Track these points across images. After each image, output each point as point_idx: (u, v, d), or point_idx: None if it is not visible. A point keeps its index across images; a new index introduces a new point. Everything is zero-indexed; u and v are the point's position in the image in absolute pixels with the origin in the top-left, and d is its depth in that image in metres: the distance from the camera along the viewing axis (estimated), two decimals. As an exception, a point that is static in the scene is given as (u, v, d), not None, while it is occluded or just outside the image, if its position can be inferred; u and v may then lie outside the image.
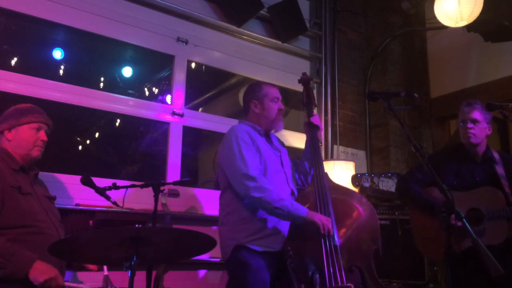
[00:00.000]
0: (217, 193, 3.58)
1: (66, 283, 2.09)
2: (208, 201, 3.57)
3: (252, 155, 2.44)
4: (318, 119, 2.75)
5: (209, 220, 3.42)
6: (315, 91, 4.54)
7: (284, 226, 2.43)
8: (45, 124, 2.35)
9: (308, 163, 2.70)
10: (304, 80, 2.88)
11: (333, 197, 2.44)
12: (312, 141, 2.67)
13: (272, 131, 2.72)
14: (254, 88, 2.72)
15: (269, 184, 2.38)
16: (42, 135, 2.31)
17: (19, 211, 2.10)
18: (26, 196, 2.16)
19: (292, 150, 3.18)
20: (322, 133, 4.38)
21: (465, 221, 1.97)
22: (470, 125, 2.82)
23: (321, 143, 4.38)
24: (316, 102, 2.87)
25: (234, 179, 2.43)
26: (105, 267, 2.33)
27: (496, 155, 2.86)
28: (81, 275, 2.42)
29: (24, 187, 2.18)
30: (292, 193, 2.58)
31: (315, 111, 2.82)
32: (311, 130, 2.71)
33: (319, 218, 2.29)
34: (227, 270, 2.49)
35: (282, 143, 2.81)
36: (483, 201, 2.71)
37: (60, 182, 2.97)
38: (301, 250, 2.31)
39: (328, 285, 2.15)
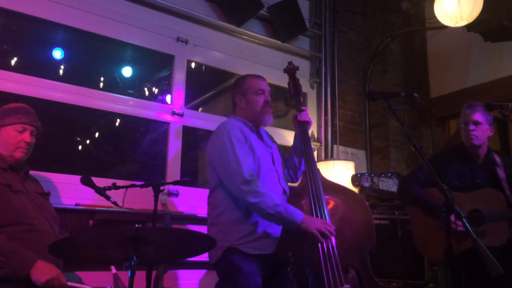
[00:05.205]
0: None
1: (70, 283, 2.08)
2: (208, 201, 3.57)
3: (245, 154, 2.34)
4: (306, 114, 2.60)
5: (209, 220, 3.42)
6: (314, 91, 4.54)
7: (277, 228, 2.36)
8: (30, 125, 2.28)
9: (297, 158, 2.61)
10: (290, 70, 2.68)
11: (328, 195, 2.38)
12: (303, 137, 2.53)
13: (262, 126, 2.59)
14: (239, 82, 2.62)
15: (263, 187, 2.28)
16: (26, 137, 2.25)
17: (11, 209, 2.09)
18: (17, 193, 2.15)
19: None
20: (322, 130, 4.38)
21: (465, 221, 1.97)
22: (472, 127, 2.83)
23: (320, 143, 4.38)
24: (303, 96, 2.70)
25: (228, 180, 2.34)
26: (112, 267, 2.30)
27: (497, 159, 2.86)
28: (86, 274, 2.40)
29: (15, 185, 2.17)
30: (284, 192, 2.49)
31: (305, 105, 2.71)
32: (300, 125, 2.57)
33: (315, 227, 2.21)
34: (217, 272, 2.40)
35: (271, 138, 2.69)
36: (483, 203, 2.72)
37: (60, 182, 2.96)
38: (298, 253, 2.26)
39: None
